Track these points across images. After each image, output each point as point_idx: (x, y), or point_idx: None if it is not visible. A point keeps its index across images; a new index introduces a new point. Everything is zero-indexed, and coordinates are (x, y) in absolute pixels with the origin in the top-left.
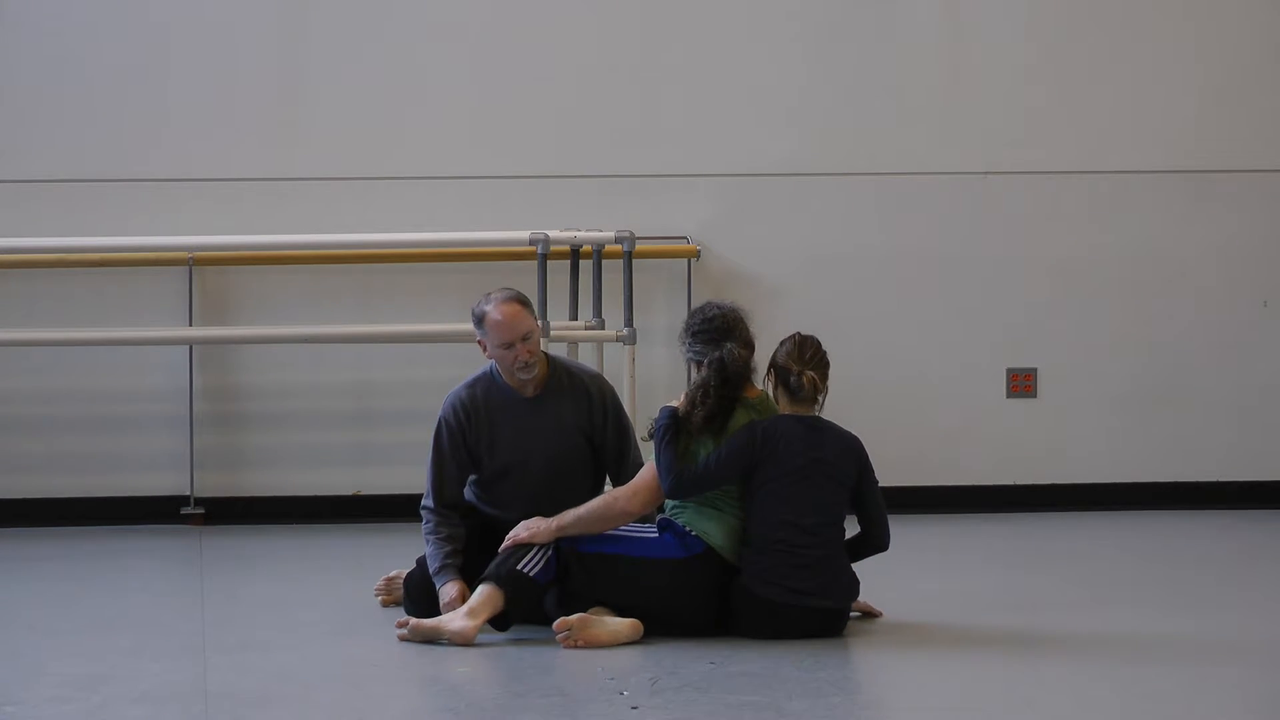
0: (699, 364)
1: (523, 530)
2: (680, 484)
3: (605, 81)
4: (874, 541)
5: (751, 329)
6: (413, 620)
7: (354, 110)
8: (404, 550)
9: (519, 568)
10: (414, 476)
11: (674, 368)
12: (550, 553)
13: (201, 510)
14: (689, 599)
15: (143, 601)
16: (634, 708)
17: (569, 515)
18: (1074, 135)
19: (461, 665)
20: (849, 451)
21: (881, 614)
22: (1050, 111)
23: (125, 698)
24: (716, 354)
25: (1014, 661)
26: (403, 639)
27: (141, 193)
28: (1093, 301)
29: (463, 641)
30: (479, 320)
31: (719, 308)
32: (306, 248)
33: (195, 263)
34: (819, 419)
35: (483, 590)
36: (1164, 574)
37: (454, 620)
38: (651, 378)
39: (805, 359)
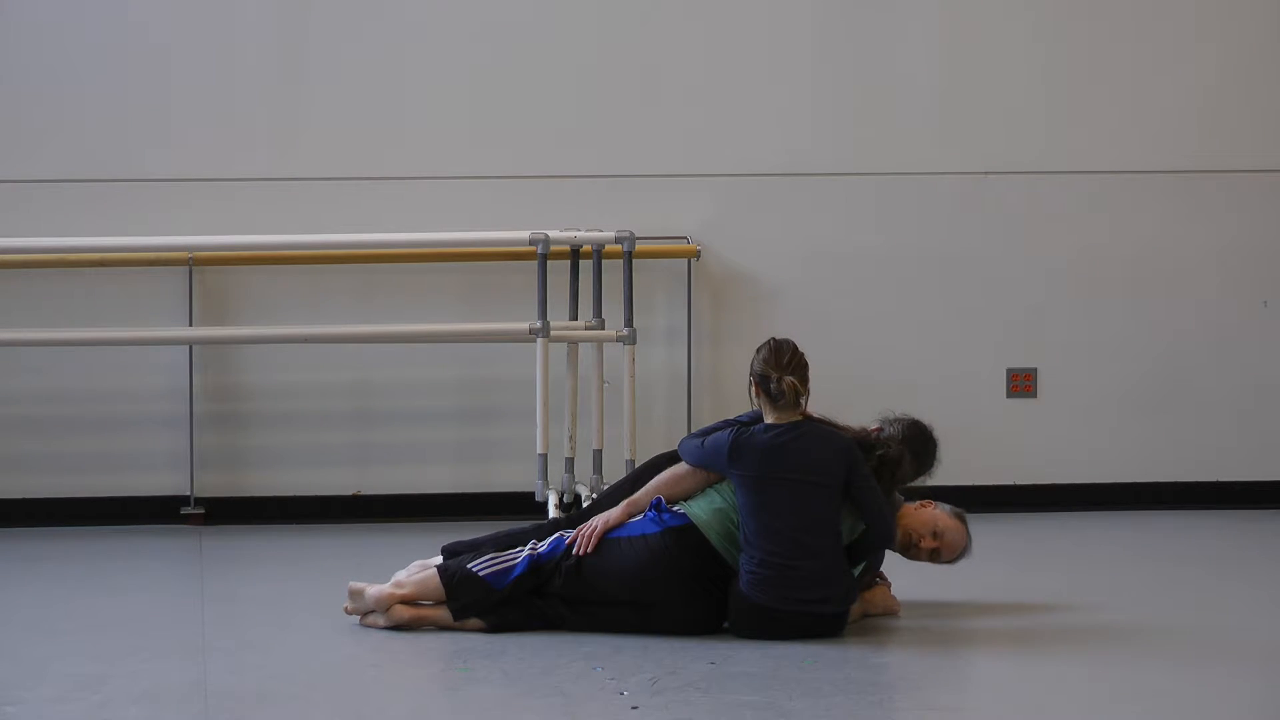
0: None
1: (598, 520)
2: (682, 444)
3: (605, 81)
4: (876, 536)
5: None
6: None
7: (354, 110)
8: (405, 550)
9: (469, 565)
10: (414, 476)
11: (673, 368)
12: (518, 563)
13: (201, 510)
14: (662, 572)
15: (143, 601)
16: (634, 708)
17: (639, 491)
18: (1074, 135)
19: (462, 665)
20: (834, 454)
21: (899, 608)
22: (1050, 111)
23: (125, 697)
24: (896, 452)
25: (1015, 661)
26: (349, 611)
27: (141, 193)
28: (1093, 302)
29: (377, 605)
30: None
31: (928, 429)
32: (307, 248)
33: (195, 263)
34: (802, 424)
35: (429, 572)
36: (1165, 574)
37: (381, 586)
38: (651, 378)
39: (783, 364)
